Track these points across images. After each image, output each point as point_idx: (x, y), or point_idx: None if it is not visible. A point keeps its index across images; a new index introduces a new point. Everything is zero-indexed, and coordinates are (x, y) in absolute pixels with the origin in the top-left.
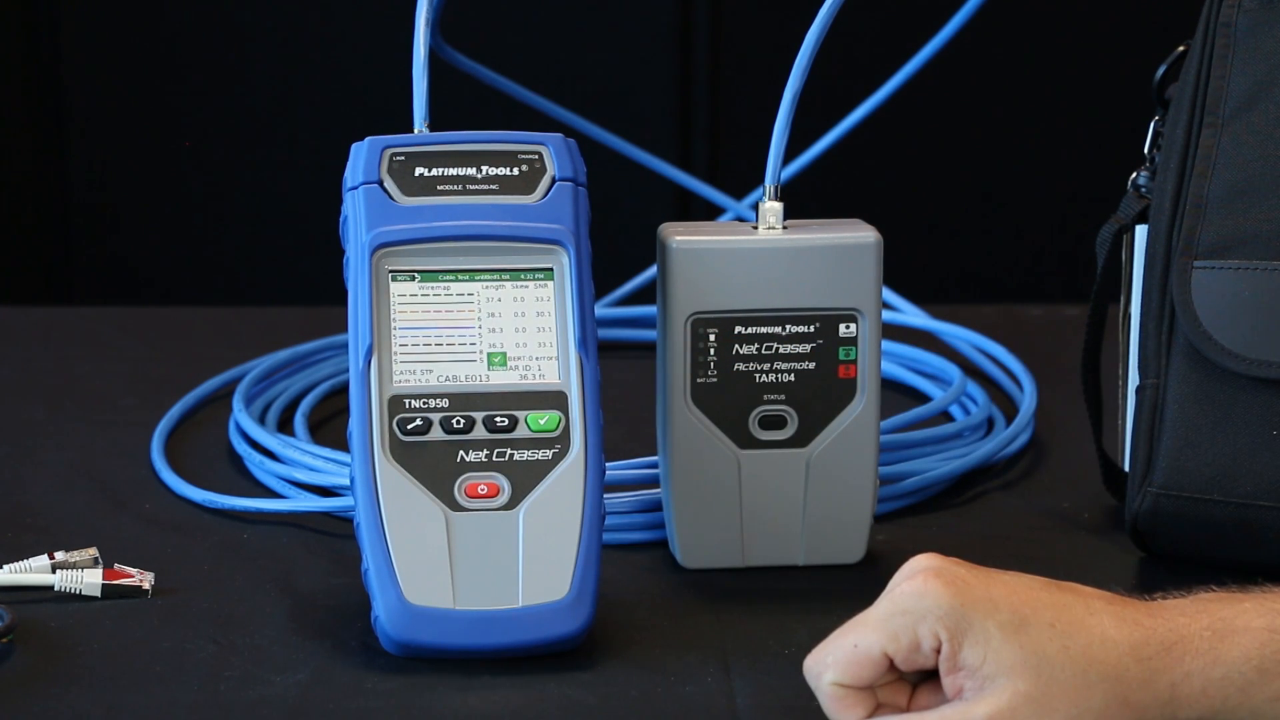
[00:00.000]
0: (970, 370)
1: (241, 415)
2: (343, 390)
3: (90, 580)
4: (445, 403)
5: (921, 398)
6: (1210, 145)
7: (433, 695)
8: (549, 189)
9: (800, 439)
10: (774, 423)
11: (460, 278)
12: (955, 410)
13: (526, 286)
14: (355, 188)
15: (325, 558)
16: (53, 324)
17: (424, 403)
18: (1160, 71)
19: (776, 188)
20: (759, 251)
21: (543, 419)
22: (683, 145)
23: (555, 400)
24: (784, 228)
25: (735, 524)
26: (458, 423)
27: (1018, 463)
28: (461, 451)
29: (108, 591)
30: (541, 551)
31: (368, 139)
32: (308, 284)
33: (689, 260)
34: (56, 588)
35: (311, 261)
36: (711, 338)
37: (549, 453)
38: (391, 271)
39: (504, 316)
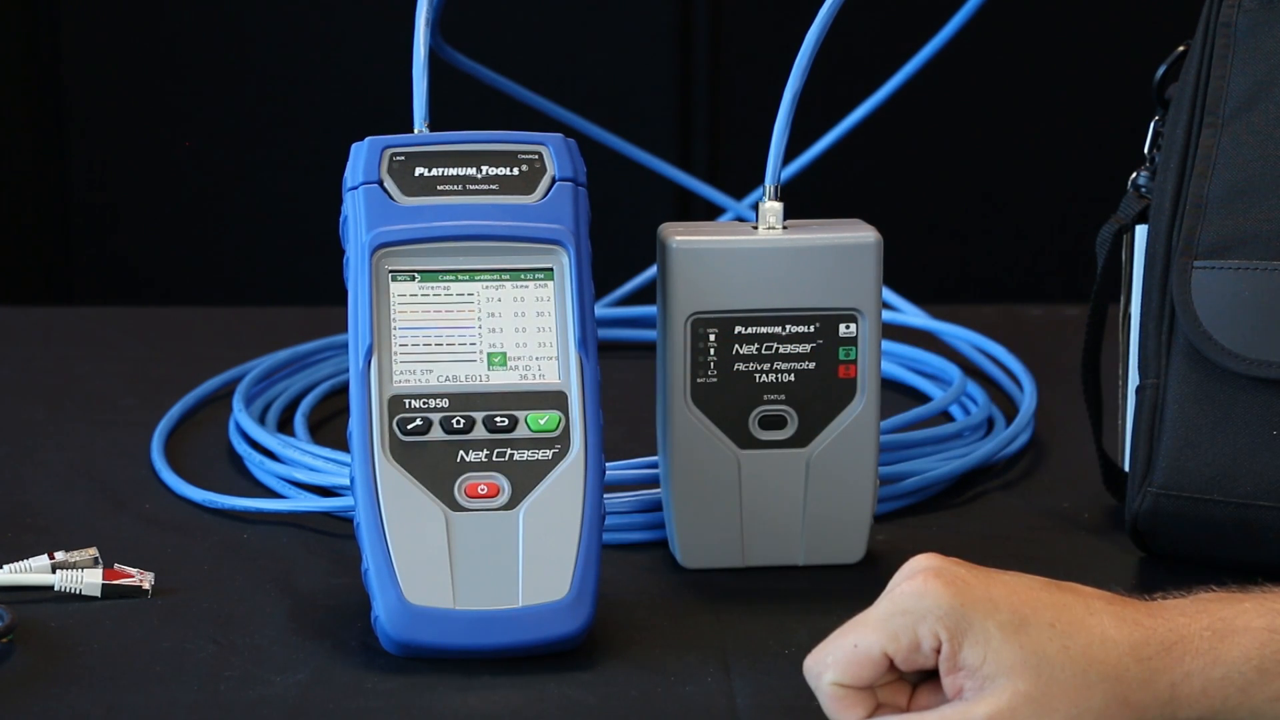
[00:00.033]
0: (970, 370)
1: (241, 415)
2: (343, 390)
3: (90, 580)
4: (445, 403)
5: (921, 398)
6: (1210, 145)
7: (433, 695)
8: (549, 189)
9: (800, 439)
10: (774, 423)
11: (460, 278)
12: (955, 410)
13: (526, 286)
14: (355, 188)
15: (325, 558)
16: (53, 324)
17: (424, 403)
18: (1160, 71)
19: (776, 188)
20: (759, 251)
21: (543, 419)
22: (683, 145)
23: (555, 400)
24: (784, 228)
25: (735, 524)
26: (458, 423)
27: (1018, 463)
28: (461, 451)
29: (108, 591)
30: (541, 551)
31: (368, 139)
32: (308, 284)
33: (689, 260)
34: (56, 588)
35: (311, 261)
36: (711, 338)
37: (549, 453)
38: (391, 271)
39: (504, 316)
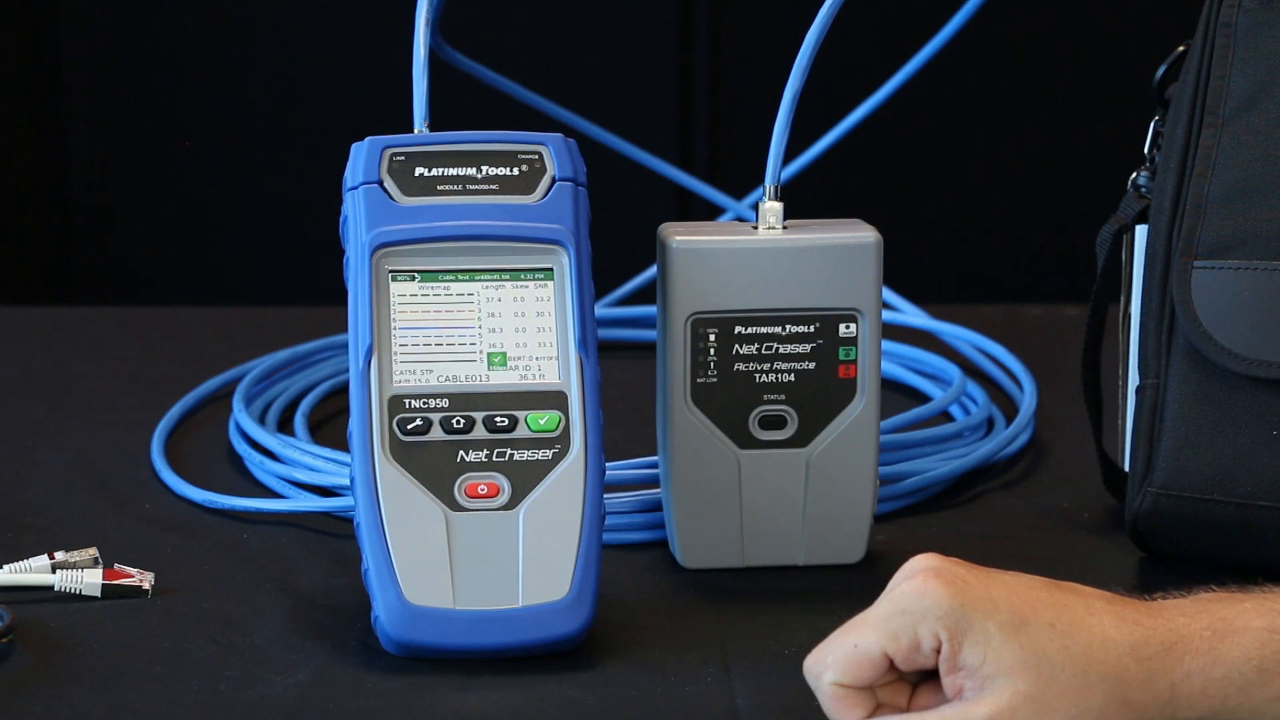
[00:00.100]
0: (970, 370)
1: (241, 415)
2: (343, 390)
3: (90, 580)
4: (445, 403)
5: (921, 398)
6: (1210, 145)
7: (433, 695)
8: (549, 189)
9: (800, 439)
10: (774, 423)
11: (460, 278)
12: (955, 410)
13: (526, 286)
14: (355, 188)
15: (325, 558)
16: (53, 324)
17: (424, 403)
18: (1160, 71)
19: (776, 188)
20: (759, 251)
21: (543, 419)
22: (683, 145)
23: (555, 400)
24: (784, 228)
25: (735, 524)
26: (458, 423)
27: (1018, 463)
28: (461, 451)
29: (108, 591)
30: (541, 551)
31: (368, 139)
32: (308, 284)
33: (689, 260)
34: (56, 588)
35: (311, 261)
36: (711, 338)
37: (549, 453)
38: (391, 271)
39: (504, 316)
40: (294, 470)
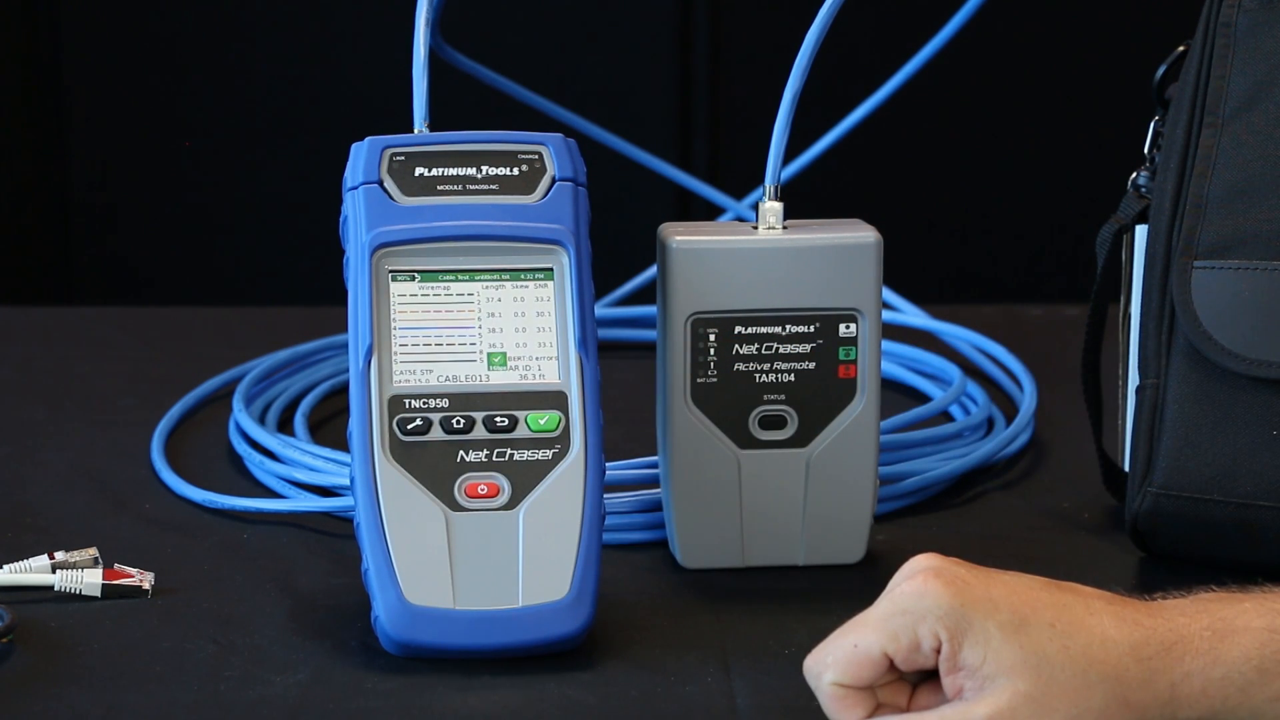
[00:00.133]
0: (970, 370)
1: (241, 415)
2: (343, 390)
3: (90, 580)
4: (445, 403)
5: (921, 398)
6: (1210, 145)
7: (433, 695)
8: (549, 189)
9: (800, 439)
10: (774, 423)
11: (460, 278)
12: (955, 410)
13: (526, 286)
14: (355, 188)
15: (325, 558)
16: (53, 324)
17: (424, 403)
18: (1160, 71)
19: (776, 188)
20: (759, 251)
21: (543, 419)
22: (683, 145)
23: (555, 400)
24: (784, 228)
25: (735, 524)
26: (458, 423)
27: (1018, 463)
28: (461, 451)
29: (108, 591)
30: (541, 551)
31: (368, 139)
32: (308, 284)
33: (689, 260)
34: (56, 588)
35: (311, 261)
36: (711, 338)
37: (549, 453)
38: (391, 271)
39: (504, 316)
40: (294, 470)
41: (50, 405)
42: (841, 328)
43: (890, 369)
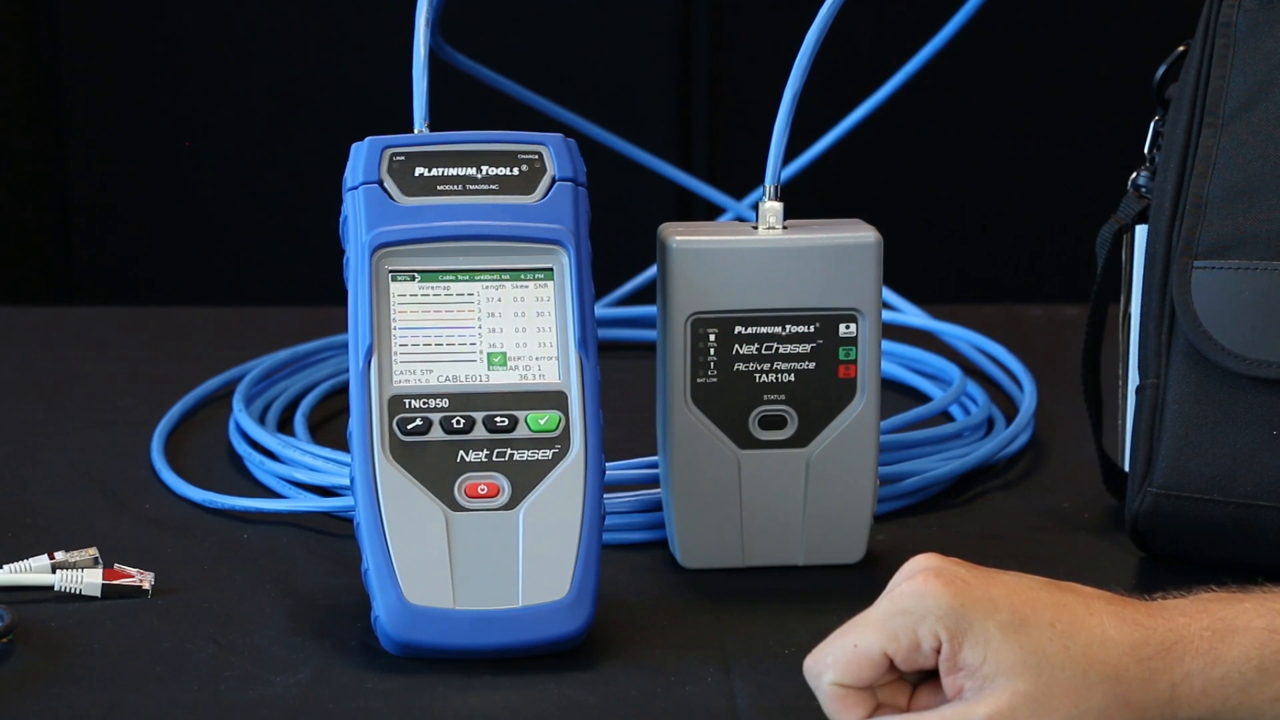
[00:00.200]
0: (970, 370)
1: (241, 415)
2: (343, 390)
3: (90, 580)
4: (445, 403)
5: (921, 398)
6: (1210, 145)
7: (433, 695)
8: (549, 189)
9: (800, 439)
10: (774, 423)
11: (460, 278)
12: (955, 410)
13: (526, 286)
14: (355, 188)
15: (325, 558)
16: (53, 324)
17: (424, 403)
18: (1160, 71)
19: (776, 188)
20: (759, 251)
21: (543, 419)
22: (683, 145)
23: (555, 400)
24: (784, 228)
25: (735, 524)
26: (458, 423)
27: (1018, 463)
28: (461, 451)
29: (108, 591)
30: (541, 551)
31: (368, 139)
32: (308, 284)
33: (689, 260)
34: (56, 588)
35: (311, 261)
36: (711, 338)
37: (549, 453)
38: (391, 271)
39: (504, 316)
40: (294, 470)
41: (50, 405)
42: (841, 328)
43: (890, 369)
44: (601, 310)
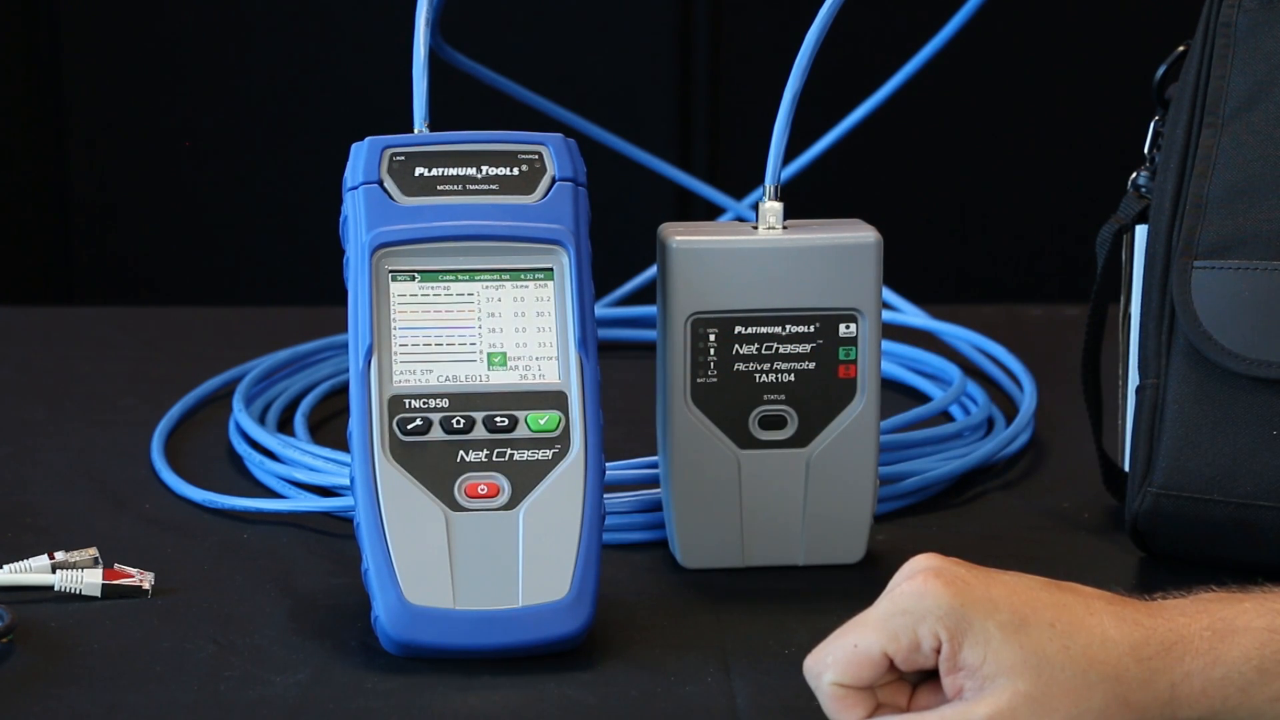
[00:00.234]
0: (970, 370)
1: (241, 415)
2: (343, 390)
3: (90, 580)
4: (445, 403)
5: (921, 398)
6: (1210, 145)
7: (433, 695)
8: (549, 189)
9: (800, 439)
10: (774, 423)
11: (460, 278)
12: (955, 410)
13: (526, 286)
14: (355, 188)
15: (325, 558)
16: (53, 324)
17: (424, 403)
18: (1160, 71)
19: (776, 188)
20: (759, 251)
21: (543, 419)
22: (683, 145)
23: (555, 400)
24: (784, 228)
25: (735, 524)
26: (458, 423)
27: (1018, 463)
28: (461, 451)
29: (108, 591)
30: (541, 551)
31: (368, 139)
32: (308, 284)
33: (689, 260)
34: (56, 588)
35: (311, 261)
36: (711, 338)
37: (549, 453)
38: (391, 271)
39: (504, 316)
40: (294, 470)
41: (50, 405)
42: (841, 328)
43: (890, 369)
44: (601, 310)
